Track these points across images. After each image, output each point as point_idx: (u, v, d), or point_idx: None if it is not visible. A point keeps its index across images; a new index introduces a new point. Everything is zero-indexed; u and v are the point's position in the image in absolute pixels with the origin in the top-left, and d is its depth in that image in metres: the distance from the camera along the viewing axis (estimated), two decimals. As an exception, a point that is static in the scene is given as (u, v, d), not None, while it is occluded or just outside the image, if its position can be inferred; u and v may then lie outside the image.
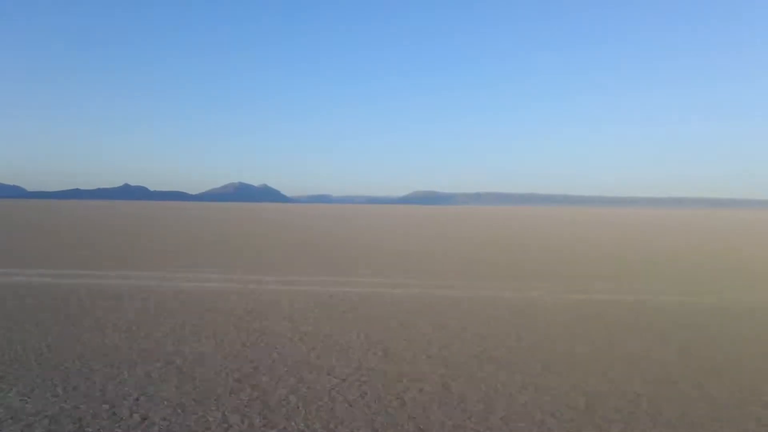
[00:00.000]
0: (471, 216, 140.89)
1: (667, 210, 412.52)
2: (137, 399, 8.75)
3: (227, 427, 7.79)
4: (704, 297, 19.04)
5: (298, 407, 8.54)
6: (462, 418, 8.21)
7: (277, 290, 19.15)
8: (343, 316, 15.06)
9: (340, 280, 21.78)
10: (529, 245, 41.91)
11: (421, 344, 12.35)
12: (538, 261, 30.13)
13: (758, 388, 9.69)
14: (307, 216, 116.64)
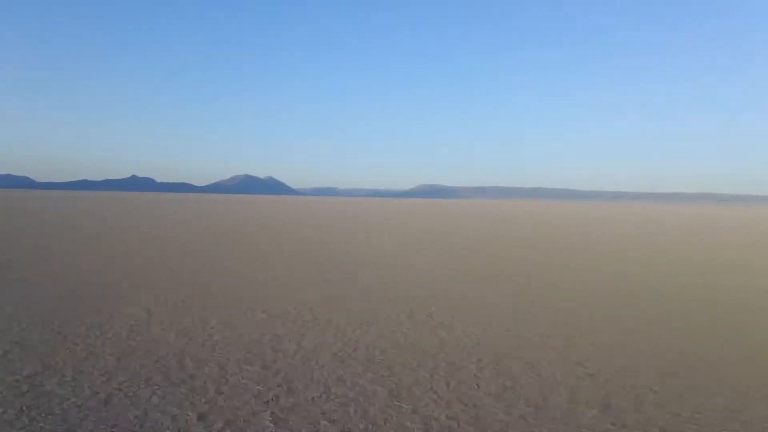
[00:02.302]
0: (476, 211, 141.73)
1: (666, 205, 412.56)
2: None
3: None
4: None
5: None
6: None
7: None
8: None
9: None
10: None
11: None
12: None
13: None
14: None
